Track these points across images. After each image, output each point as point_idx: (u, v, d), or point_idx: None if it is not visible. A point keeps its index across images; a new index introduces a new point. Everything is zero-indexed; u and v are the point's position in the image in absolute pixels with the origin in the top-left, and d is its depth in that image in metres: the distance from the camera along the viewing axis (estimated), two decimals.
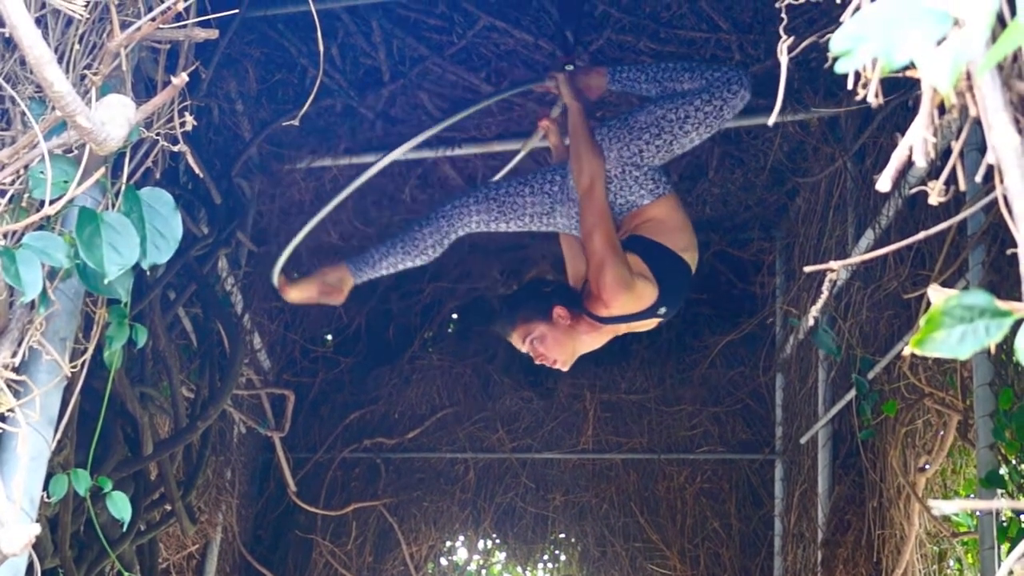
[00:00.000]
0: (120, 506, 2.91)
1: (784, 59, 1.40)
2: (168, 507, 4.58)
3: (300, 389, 6.91)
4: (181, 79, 2.04)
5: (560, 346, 3.73)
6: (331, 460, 7.13)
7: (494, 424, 7.16)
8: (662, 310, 3.69)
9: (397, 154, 4.27)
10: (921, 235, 1.28)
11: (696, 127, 3.84)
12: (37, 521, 2.40)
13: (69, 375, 2.49)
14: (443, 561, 7.28)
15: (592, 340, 3.85)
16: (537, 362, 3.78)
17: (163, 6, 2.16)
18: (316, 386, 7.28)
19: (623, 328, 3.83)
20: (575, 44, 4.45)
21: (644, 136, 3.86)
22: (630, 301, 3.63)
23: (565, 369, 3.81)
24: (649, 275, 3.65)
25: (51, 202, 2.06)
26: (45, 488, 2.51)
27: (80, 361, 2.55)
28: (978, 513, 3.86)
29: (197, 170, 2.73)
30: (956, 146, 1.21)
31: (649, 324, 3.84)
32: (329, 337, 7.61)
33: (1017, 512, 3.74)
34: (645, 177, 3.87)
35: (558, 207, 3.99)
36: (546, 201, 4.01)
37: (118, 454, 4.14)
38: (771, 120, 1.64)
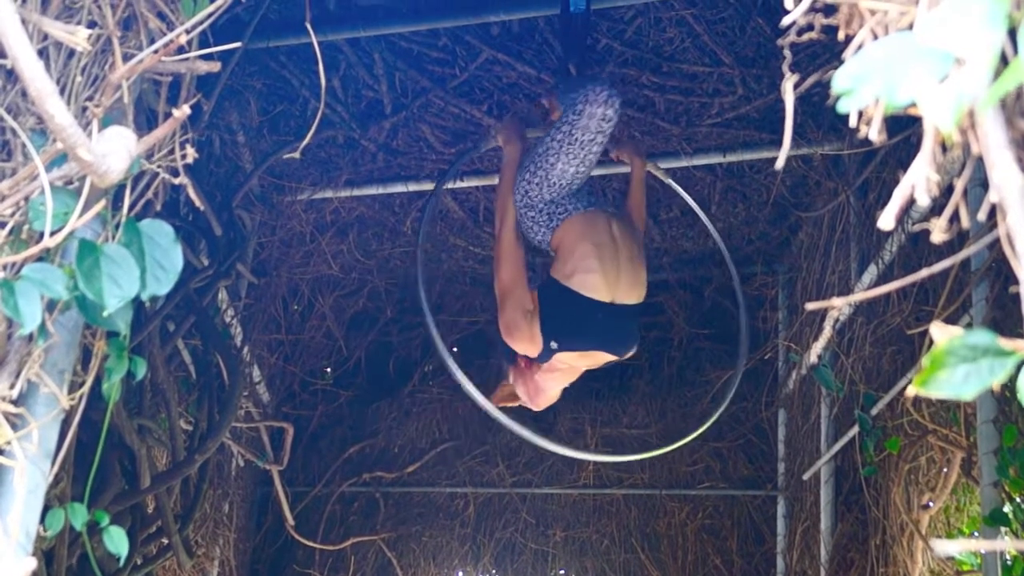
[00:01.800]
0: (117, 541, 2.89)
1: (789, 99, 1.40)
2: (165, 540, 4.55)
3: (299, 422, 6.90)
4: (183, 111, 2.04)
5: (523, 388, 3.87)
6: (330, 494, 7.11)
7: (494, 458, 7.14)
8: (553, 344, 3.70)
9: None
10: (924, 272, 1.28)
11: (557, 155, 3.87)
12: (33, 555, 2.38)
13: (67, 408, 2.48)
14: None
15: (555, 379, 3.86)
16: (569, 383, 3.83)
17: (165, 39, 2.17)
18: (315, 419, 7.27)
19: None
20: (578, 77, 4.46)
21: (525, 176, 3.93)
22: (524, 343, 3.70)
23: (535, 409, 3.86)
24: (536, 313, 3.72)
25: (51, 234, 2.06)
26: (41, 521, 2.49)
27: (78, 393, 2.54)
28: (982, 552, 3.84)
29: (198, 202, 2.73)
30: (959, 183, 1.22)
31: (601, 357, 3.84)
32: (329, 370, 7.59)
33: (1021, 552, 3.73)
34: (540, 214, 3.90)
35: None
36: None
37: (115, 487, 4.13)
38: (779, 163, 1.65)
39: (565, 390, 4.03)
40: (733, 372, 4.15)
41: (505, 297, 3.69)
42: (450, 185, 5.73)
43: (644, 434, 7.00)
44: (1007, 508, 3.64)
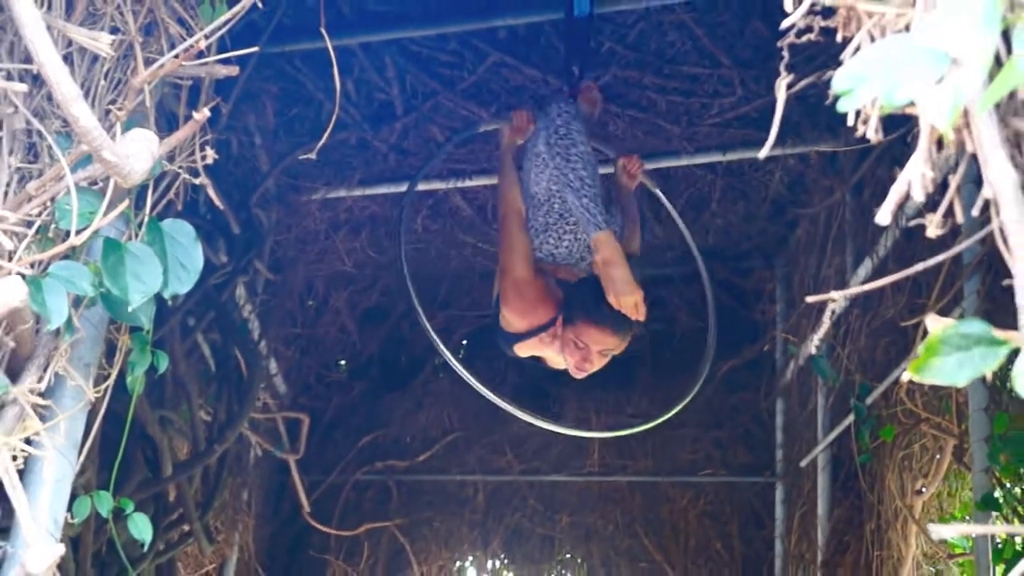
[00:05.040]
0: (141, 527, 2.90)
1: (781, 96, 1.40)
2: (186, 527, 4.57)
3: (315, 413, 6.91)
4: (203, 114, 2.05)
5: (605, 361, 3.79)
6: (344, 482, 7.11)
7: (503, 447, 7.14)
8: None
9: None
10: (919, 266, 1.28)
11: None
12: (60, 541, 2.39)
13: (93, 400, 2.49)
14: None
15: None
16: (581, 367, 3.74)
17: (185, 44, 2.17)
18: (330, 410, 7.27)
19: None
20: (581, 79, 4.46)
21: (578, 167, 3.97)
22: (515, 314, 3.81)
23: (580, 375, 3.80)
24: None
25: (77, 233, 2.07)
26: (69, 509, 2.50)
27: (103, 386, 2.55)
28: (974, 536, 3.84)
29: (217, 201, 2.73)
30: (954, 180, 1.21)
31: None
32: (343, 363, 7.60)
33: (1012, 535, 3.72)
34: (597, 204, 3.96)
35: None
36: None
37: (139, 476, 4.14)
38: (762, 153, 1.65)
39: (572, 381, 4.00)
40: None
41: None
42: (459, 184, 5.73)
43: (647, 422, 6.98)
44: (998, 493, 3.64)
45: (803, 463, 5.79)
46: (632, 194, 4.27)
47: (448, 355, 4.20)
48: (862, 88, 1.11)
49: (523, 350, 3.89)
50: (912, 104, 1.10)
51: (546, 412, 7.18)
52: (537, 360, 3.99)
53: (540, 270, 3.85)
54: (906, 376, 1.14)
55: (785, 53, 1.45)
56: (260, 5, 2.34)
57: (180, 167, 2.58)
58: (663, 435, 6.90)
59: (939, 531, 1.11)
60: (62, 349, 2.32)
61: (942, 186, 1.22)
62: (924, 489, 4.77)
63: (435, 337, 4.16)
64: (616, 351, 3.73)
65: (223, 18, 2.24)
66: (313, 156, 3.51)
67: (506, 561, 7.22)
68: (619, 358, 3.93)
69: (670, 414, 4.39)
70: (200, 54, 2.23)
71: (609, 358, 3.73)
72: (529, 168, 3.98)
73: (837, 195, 5.23)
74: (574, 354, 3.69)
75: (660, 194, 4.60)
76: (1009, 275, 1.07)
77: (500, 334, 3.90)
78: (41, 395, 2.27)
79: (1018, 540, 3.91)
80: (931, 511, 4.93)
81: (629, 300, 3.54)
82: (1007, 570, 3.54)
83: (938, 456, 4.66)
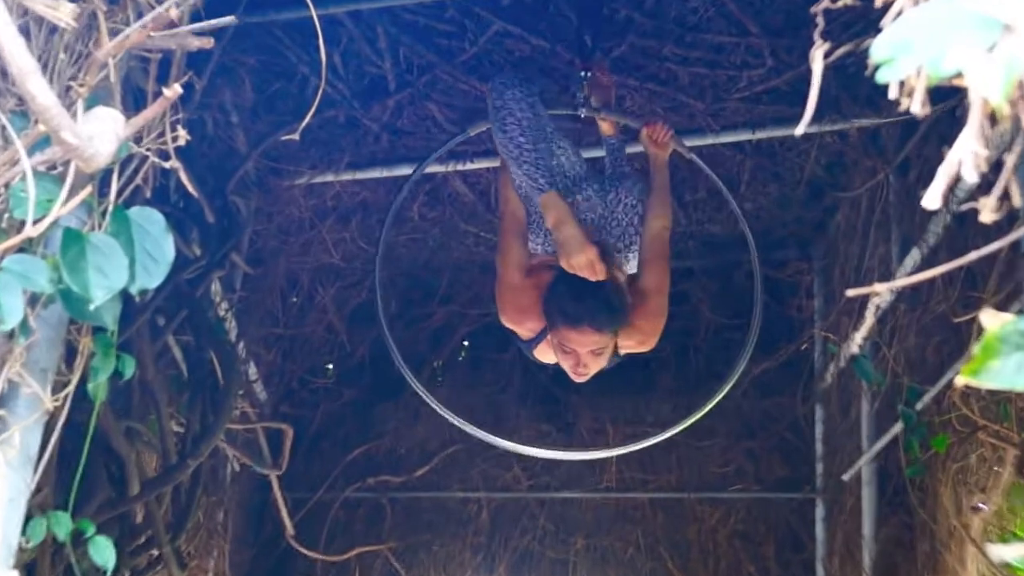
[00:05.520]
0: (103, 552, 2.91)
1: (818, 66, 1.40)
2: (155, 552, 4.58)
3: (299, 423, 6.91)
4: (174, 90, 2.05)
5: (605, 360, 3.80)
6: (332, 500, 7.13)
7: (509, 461, 7.14)
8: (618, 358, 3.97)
9: None
10: (973, 255, 1.28)
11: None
12: (14, 568, 2.40)
13: (51, 409, 2.50)
14: None
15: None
16: (576, 372, 3.77)
17: (154, 13, 2.18)
18: (316, 420, 7.28)
19: None
20: (594, 50, 4.47)
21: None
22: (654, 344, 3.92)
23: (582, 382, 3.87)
24: None
25: (34, 222, 2.07)
26: (23, 532, 2.51)
27: (63, 394, 2.56)
28: None
29: (190, 188, 2.74)
30: (1009, 159, 1.22)
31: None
32: (330, 367, 7.61)
33: None
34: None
35: (587, 191, 4.09)
36: (577, 169, 4.17)
37: (102, 495, 4.15)
38: (799, 131, 1.65)
39: (586, 385, 4.04)
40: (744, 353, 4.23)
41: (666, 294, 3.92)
42: (459, 167, 5.74)
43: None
44: None
45: (846, 477, 5.79)
46: (665, 165, 4.26)
47: (411, 377, 4.42)
48: (905, 57, 1.11)
49: (542, 356, 3.94)
50: (961, 74, 1.10)
51: (557, 421, 7.19)
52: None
53: (541, 272, 3.89)
54: (961, 380, 1.14)
55: (820, 19, 1.46)
56: None
57: (149, 149, 2.59)
58: (689, 447, 6.90)
59: (1000, 552, 1.12)
60: (16, 353, 2.33)
61: (996, 165, 1.22)
62: (982, 505, 4.76)
63: (396, 352, 4.39)
64: (622, 348, 3.78)
65: None
66: (296, 137, 3.52)
67: None
68: (637, 360, 3.95)
69: (687, 423, 4.42)
70: (171, 24, 2.23)
71: (608, 355, 3.75)
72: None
73: (880, 176, 5.22)
74: (566, 360, 3.75)
75: (698, 160, 4.58)
76: None
77: (517, 339, 3.96)
78: None
79: None
80: (990, 530, 4.93)
81: (580, 260, 3.58)
82: None
83: (997, 468, 4.65)
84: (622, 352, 3.86)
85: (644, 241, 3.98)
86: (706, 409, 4.37)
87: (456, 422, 4.40)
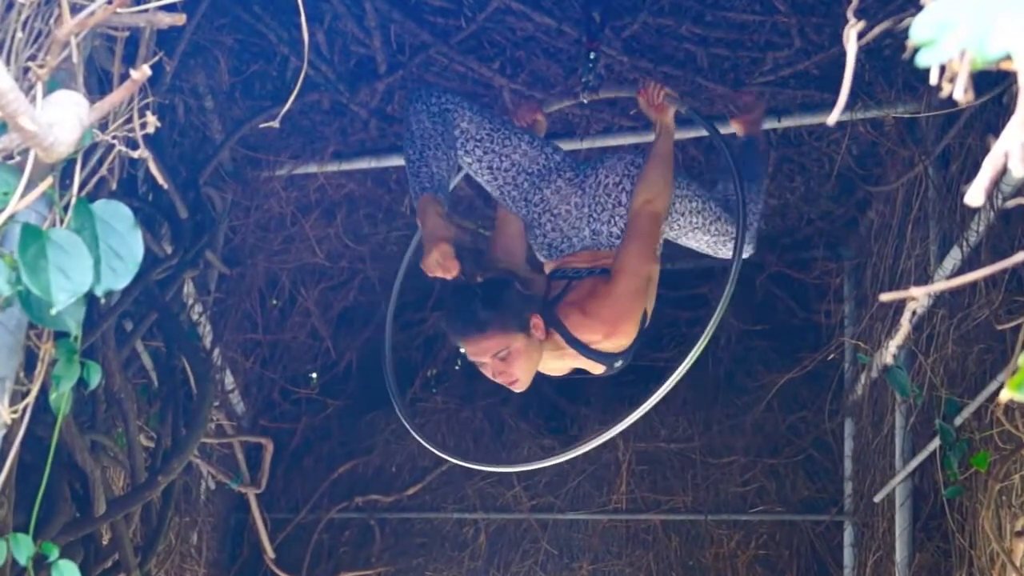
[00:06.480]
0: None
1: (852, 47, 1.40)
2: None
3: (279, 437, 6.92)
4: (142, 72, 2.05)
5: (530, 364, 3.73)
6: (316, 521, 7.13)
7: (509, 479, 7.15)
8: (618, 363, 3.91)
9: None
10: (1019, 256, 1.28)
11: None
12: None
13: (9, 422, 2.50)
14: None
15: (551, 365, 3.89)
16: (501, 382, 3.76)
17: None
18: (299, 433, 7.29)
19: (581, 362, 3.88)
20: (603, 28, 4.46)
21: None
22: (624, 339, 3.80)
23: (520, 391, 3.84)
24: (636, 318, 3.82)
25: None
26: None
27: (22, 405, 2.55)
28: None
29: (160, 179, 2.74)
30: None
31: (597, 368, 3.94)
32: (314, 376, 7.61)
33: None
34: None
35: (558, 182, 4.08)
36: (541, 162, 4.12)
37: (65, 515, 4.14)
38: (831, 119, 1.64)
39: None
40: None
41: (643, 284, 3.90)
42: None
43: (686, 449, 7.00)
44: None
45: (877, 498, 5.79)
46: (669, 131, 4.19)
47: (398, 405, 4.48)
48: (947, 38, 1.11)
49: (542, 368, 3.97)
50: (1009, 57, 1.09)
51: (562, 435, 7.19)
52: (578, 372, 4.04)
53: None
54: (1005, 394, 1.13)
55: None
56: None
57: (115, 137, 2.58)
58: (706, 464, 6.91)
59: None
60: None
61: None
62: None
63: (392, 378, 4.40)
64: (594, 346, 3.77)
65: None
66: (276, 124, 3.51)
67: None
68: (650, 369, 3.95)
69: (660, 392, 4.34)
70: (138, 0, 2.23)
71: (528, 357, 3.71)
72: None
73: (918, 168, 5.22)
74: (483, 371, 3.77)
75: (698, 115, 4.54)
76: None
77: None
78: None
79: None
80: None
81: (427, 260, 3.60)
82: None
83: None
84: (597, 348, 3.79)
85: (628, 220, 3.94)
86: (692, 356, 4.28)
87: (442, 455, 4.50)
